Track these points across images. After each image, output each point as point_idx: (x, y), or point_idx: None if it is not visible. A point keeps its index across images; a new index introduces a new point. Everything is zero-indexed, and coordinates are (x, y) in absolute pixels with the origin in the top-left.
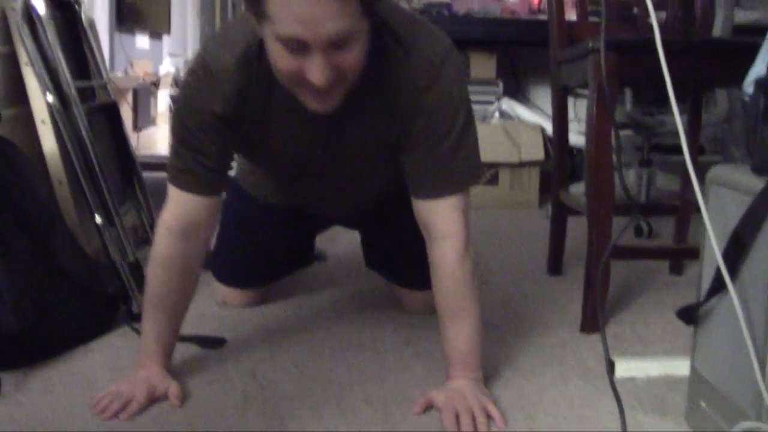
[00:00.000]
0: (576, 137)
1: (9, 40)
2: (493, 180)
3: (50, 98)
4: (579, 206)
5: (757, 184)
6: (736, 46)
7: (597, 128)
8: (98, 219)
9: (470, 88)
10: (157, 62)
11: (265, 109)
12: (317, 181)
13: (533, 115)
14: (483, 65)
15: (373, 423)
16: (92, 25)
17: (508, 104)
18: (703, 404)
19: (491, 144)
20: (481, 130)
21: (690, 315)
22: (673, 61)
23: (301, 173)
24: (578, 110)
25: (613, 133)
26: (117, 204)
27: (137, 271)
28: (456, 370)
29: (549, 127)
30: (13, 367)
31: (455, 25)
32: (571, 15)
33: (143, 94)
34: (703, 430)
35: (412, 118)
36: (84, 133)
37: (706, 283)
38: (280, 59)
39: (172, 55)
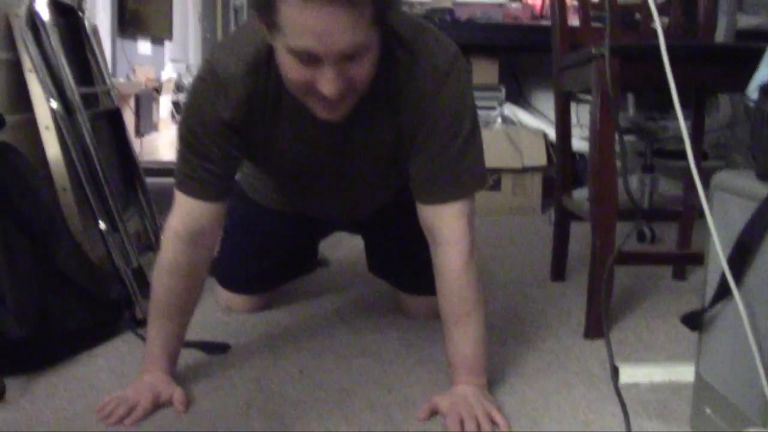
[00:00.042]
0: (578, 143)
1: (13, 47)
2: (496, 185)
3: (54, 104)
4: (582, 212)
5: (761, 190)
6: (739, 51)
7: (600, 134)
8: (102, 225)
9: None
10: (159, 68)
11: (273, 115)
12: (322, 186)
13: (535, 121)
14: (485, 71)
15: (376, 428)
16: (95, 31)
17: (511, 110)
18: (708, 410)
19: (494, 149)
20: (484, 135)
21: (695, 321)
22: (676, 67)
23: (307, 178)
24: (580, 115)
25: (617, 139)
26: (120, 210)
27: (141, 277)
28: (460, 375)
29: (551, 133)
30: (17, 373)
31: (457, 30)
32: (574, 20)
33: (145, 100)
34: None
35: (418, 123)
36: (88, 139)
37: (710, 289)
38: (291, 70)
39: (173, 60)
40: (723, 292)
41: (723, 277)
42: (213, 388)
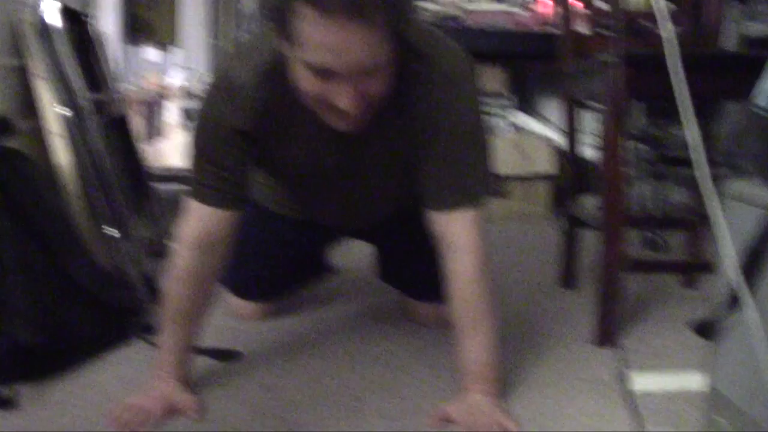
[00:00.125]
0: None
1: (23, 53)
2: (504, 193)
3: (63, 111)
4: (592, 220)
5: None
6: (748, 59)
7: (611, 142)
8: (112, 231)
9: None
10: (166, 74)
11: (287, 124)
12: (333, 194)
13: (543, 128)
14: (493, 78)
15: None
16: (102, 37)
17: (519, 117)
18: (720, 419)
19: (502, 157)
20: (492, 142)
21: (707, 330)
22: (686, 75)
23: (318, 186)
24: (588, 123)
25: (628, 147)
26: (130, 217)
27: (150, 284)
28: (473, 383)
29: (559, 140)
30: (30, 379)
31: (466, 38)
32: (582, 28)
33: (153, 107)
34: None
35: (429, 131)
36: (97, 145)
37: (723, 298)
38: (307, 84)
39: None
40: (735, 301)
41: (735, 285)
42: (225, 395)
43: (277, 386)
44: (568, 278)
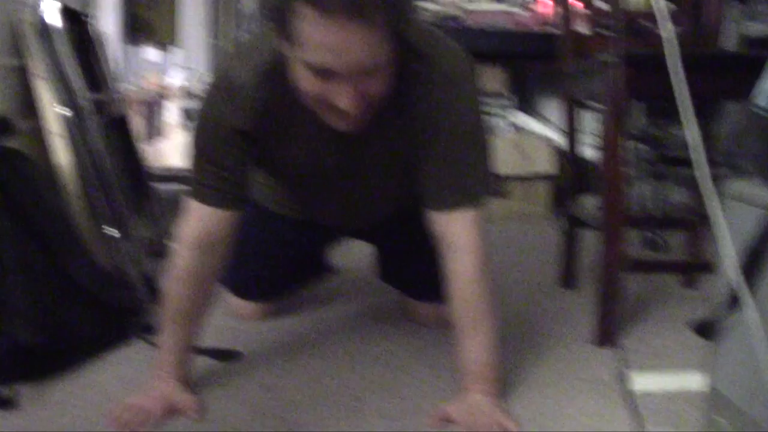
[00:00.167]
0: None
1: (23, 53)
2: (504, 193)
3: (63, 111)
4: (592, 219)
5: None
6: (748, 59)
7: (611, 142)
8: (112, 231)
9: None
10: (166, 74)
11: (287, 124)
12: (333, 193)
13: (543, 128)
14: (493, 78)
15: None
16: (102, 37)
17: (519, 117)
18: (720, 419)
19: (502, 157)
20: (492, 142)
21: (707, 330)
22: (687, 75)
23: (318, 186)
24: (588, 123)
25: (627, 147)
26: (129, 217)
27: (150, 284)
28: (473, 382)
29: (560, 140)
30: (30, 379)
31: (466, 38)
32: (582, 28)
33: (153, 107)
34: None
35: (430, 131)
36: (97, 145)
37: (723, 298)
38: (307, 84)
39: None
40: (736, 301)
41: (736, 285)
42: (224, 395)
43: (277, 386)
44: (568, 278)
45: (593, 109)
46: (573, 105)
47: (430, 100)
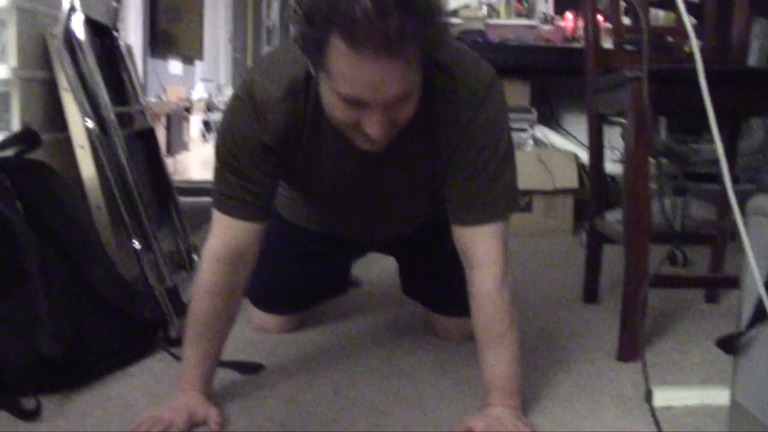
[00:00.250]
0: (610, 165)
1: (49, 66)
2: (527, 207)
3: (89, 124)
4: (615, 234)
5: None
6: None
7: (635, 157)
8: (136, 244)
9: None
10: (189, 87)
11: (311, 139)
12: (358, 208)
13: (567, 143)
14: (517, 93)
15: None
16: (129, 50)
17: (542, 132)
18: None
19: (525, 171)
20: (516, 157)
21: (730, 344)
22: (712, 90)
23: (343, 200)
24: (611, 138)
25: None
26: (153, 229)
27: (174, 296)
28: (495, 397)
29: (582, 155)
30: (52, 391)
31: (490, 52)
32: (607, 43)
33: (176, 120)
34: None
35: (455, 146)
36: (122, 158)
37: (746, 313)
38: (336, 110)
39: (204, 80)
40: (759, 315)
41: (759, 300)
42: (247, 407)
43: (299, 399)
44: (591, 293)
45: (617, 124)
46: (598, 120)
47: (456, 116)
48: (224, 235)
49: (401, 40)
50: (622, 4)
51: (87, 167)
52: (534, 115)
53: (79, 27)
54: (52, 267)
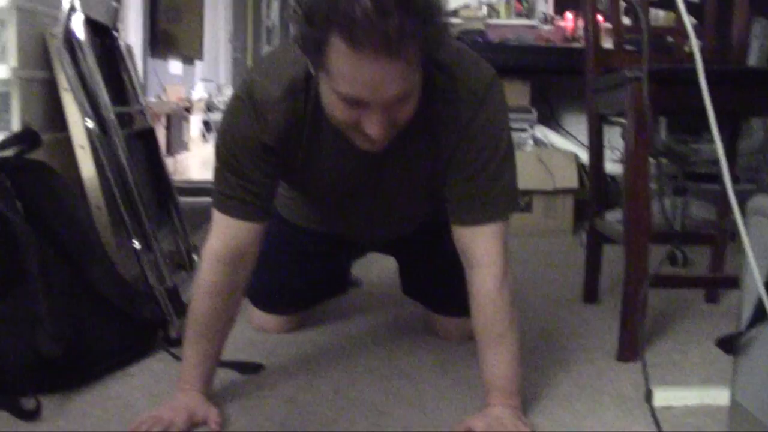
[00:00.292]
0: (610, 165)
1: (49, 66)
2: (527, 207)
3: (89, 124)
4: (615, 234)
5: None
6: None
7: (635, 157)
8: (136, 244)
9: None
10: (189, 87)
11: (311, 139)
12: (357, 208)
13: (567, 143)
14: (517, 93)
15: None
16: (129, 50)
17: (542, 132)
18: None
19: (525, 171)
20: (515, 157)
21: (730, 344)
22: (712, 90)
23: (343, 200)
24: (611, 138)
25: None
26: (153, 229)
27: (174, 297)
28: (495, 397)
29: (582, 155)
30: (52, 391)
31: (490, 52)
32: (607, 43)
33: (176, 120)
34: None
35: (455, 146)
36: (122, 158)
37: (746, 313)
38: (336, 110)
39: (204, 80)
40: (759, 315)
41: (759, 300)
42: (247, 407)
43: (299, 399)
44: (591, 293)
45: (617, 123)
46: (598, 119)
47: (456, 116)
48: (224, 235)
49: (401, 40)
50: (622, 4)
51: (87, 167)
52: (534, 115)
53: (79, 27)
54: (52, 267)
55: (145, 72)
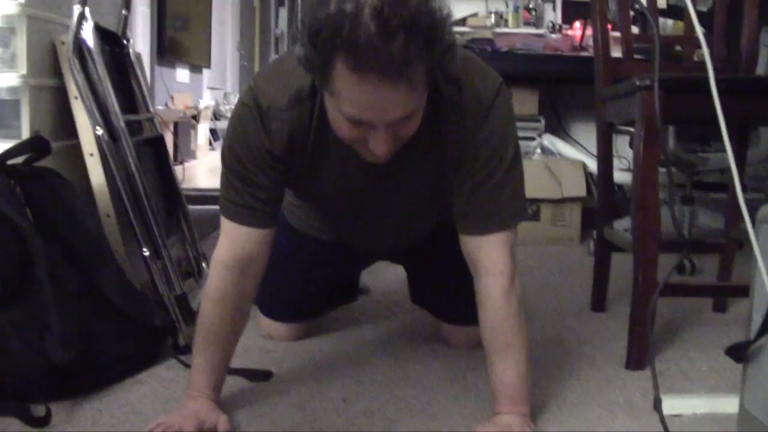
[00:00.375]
0: (618, 174)
1: (59, 74)
2: (535, 216)
3: (99, 131)
4: (623, 243)
5: None
6: None
7: (644, 165)
8: (145, 251)
9: None
10: (197, 95)
11: (317, 148)
12: (364, 217)
13: (575, 152)
14: (525, 101)
15: None
16: (138, 58)
17: (550, 140)
18: None
19: (533, 180)
20: (523, 165)
21: (739, 353)
22: (721, 99)
23: (349, 209)
24: (619, 147)
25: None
26: (164, 237)
27: (184, 304)
28: (503, 405)
29: (590, 164)
30: (62, 398)
31: (498, 61)
32: (615, 52)
33: (184, 127)
34: None
35: (461, 155)
36: (132, 166)
37: (756, 321)
38: (341, 127)
39: (211, 88)
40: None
41: None
42: (256, 415)
43: (308, 406)
44: (599, 301)
45: (625, 132)
46: (607, 128)
47: (463, 124)
48: (232, 242)
49: (406, 63)
50: (632, 13)
51: (97, 175)
52: (542, 123)
53: (89, 34)
54: (61, 274)
55: (152, 80)
